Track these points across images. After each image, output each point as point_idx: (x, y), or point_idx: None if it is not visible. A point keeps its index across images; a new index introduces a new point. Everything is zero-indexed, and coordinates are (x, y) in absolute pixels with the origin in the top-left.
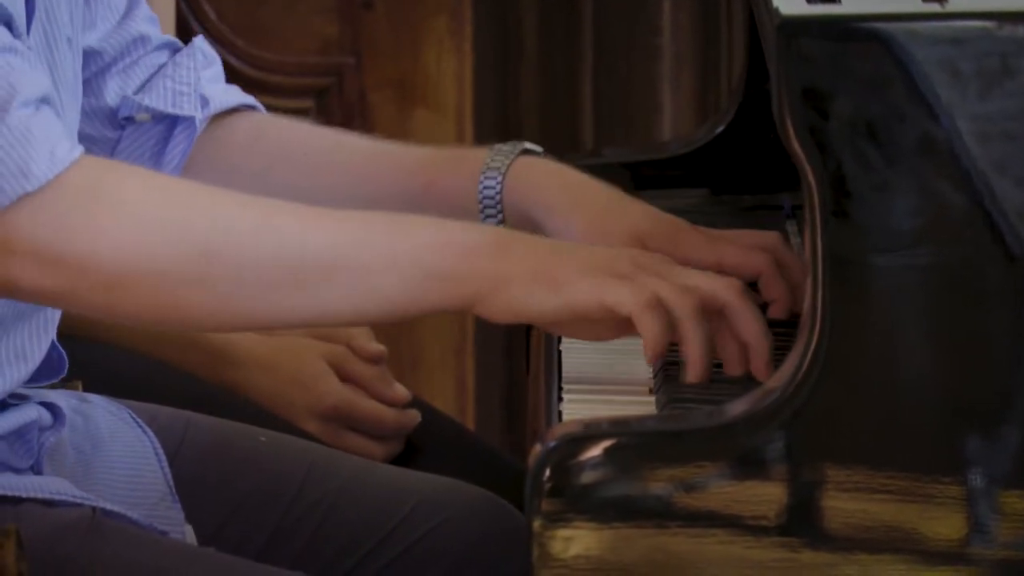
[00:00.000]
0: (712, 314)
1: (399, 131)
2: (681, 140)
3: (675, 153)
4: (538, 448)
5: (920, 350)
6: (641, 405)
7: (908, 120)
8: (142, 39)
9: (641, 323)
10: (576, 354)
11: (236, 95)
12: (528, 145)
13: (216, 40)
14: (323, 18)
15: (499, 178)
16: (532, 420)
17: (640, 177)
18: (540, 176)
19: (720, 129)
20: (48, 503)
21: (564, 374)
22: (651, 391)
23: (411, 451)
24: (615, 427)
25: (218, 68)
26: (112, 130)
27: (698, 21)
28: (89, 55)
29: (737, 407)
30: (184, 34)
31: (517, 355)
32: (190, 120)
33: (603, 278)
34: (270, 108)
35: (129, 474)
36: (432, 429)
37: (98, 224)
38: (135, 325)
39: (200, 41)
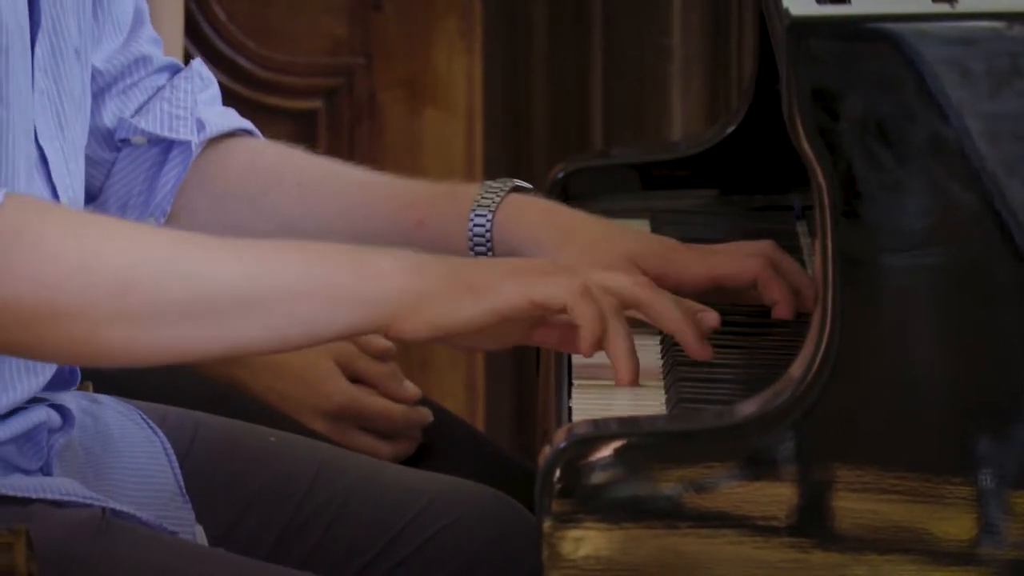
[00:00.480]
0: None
1: (409, 131)
2: (691, 140)
3: (685, 153)
4: (548, 449)
5: (930, 350)
6: (651, 402)
7: (918, 120)
8: (144, 60)
9: (576, 311)
10: None
11: (232, 119)
12: (518, 183)
13: (226, 41)
14: (333, 19)
15: (489, 215)
16: (542, 420)
17: (650, 177)
18: (530, 213)
19: (730, 129)
20: (58, 504)
21: (574, 372)
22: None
23: (421, 451)
24: (625, 427)
25: (215, 90)
26: (108, 151)
27: (708, 21)
28: (91, 74)
29: (747, 407)
30: (194, 35)
31: (527, 355)
32: (186, 144)
33: (528, 277)
34: (280, 109)
35: (139, 475)
36: (442, 429)
37: (19, 264)
38: (57, 363)
39: (198, 64)
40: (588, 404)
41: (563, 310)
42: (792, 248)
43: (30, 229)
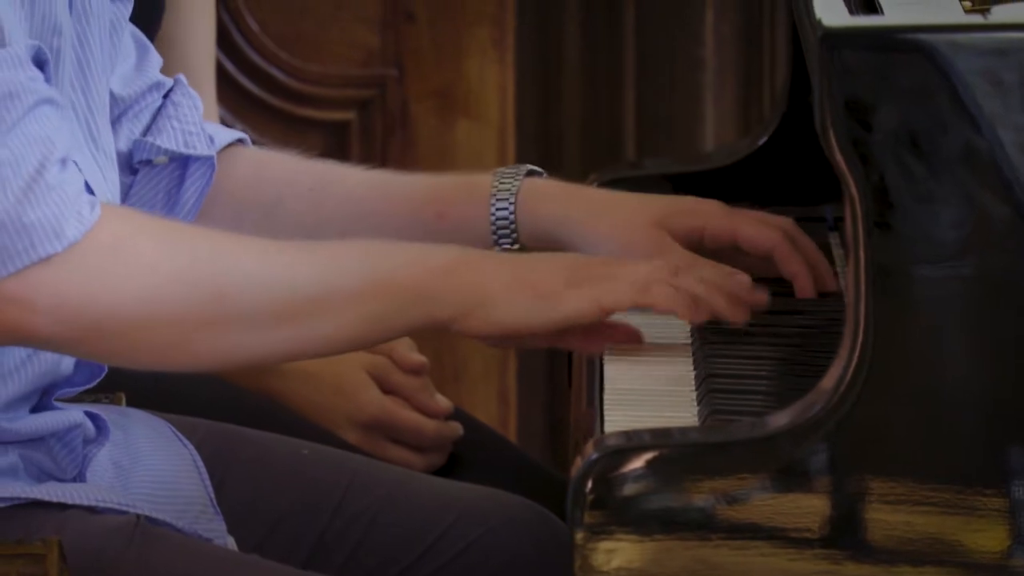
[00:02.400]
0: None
1: (441, 142)
2: (724, 151)
3: (717, 164)
4: (580, 460)
5: (963, 361)
6: (684, 414)
7: (951, 131)
8: (157, 85)
9: (653, 299)
10: (618, 366)
11: (230, 130)
12: (531, 167)
13: (259, 52)
14: (366, 29)
15: (511, 201)
16: (574, 432)
17: (682, 188)
18: (552, 194)
19: (763, 140)
20: (92, 510)
21: (606, 383)
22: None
23: (453, 463)
24: (657, 439)
25: (201, 105)
26: (126, 175)
27: (741, 32)
28: (111, 100)
29: (780, 419)
30: (227, 46)
31: (559, 367)
32: (205, 160)
33: (590, 284)
34: (312, 120)
35: (169, 487)
36: (474, 441)
37: (118, 280)
38: (145, 369)
39: (182, 78)
40: (620, 416)
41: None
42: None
43: (127, 242)
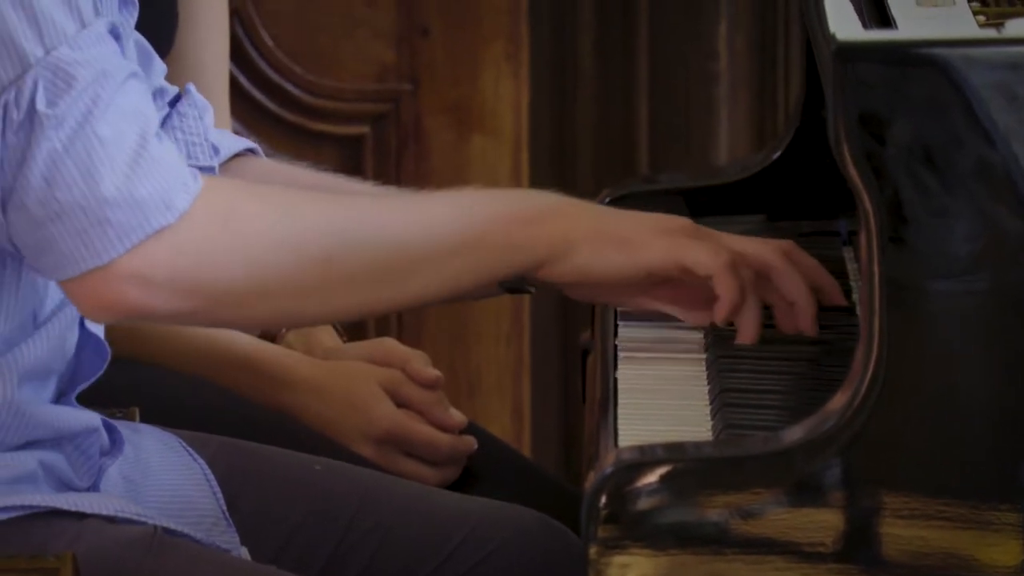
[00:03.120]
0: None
1: (455, 157)
2: (738, 165)
3: (732, 179)
4: (594, 474)
5: (977, 375)
6: (697, 428)
7: (965, 145)
8: (161, 92)
9: (722, 284)
10: (632, 380)
11: (238, 140)
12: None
13: (273, 66)
14: (380, 44)
15: None
16: (588, 446)
17: (696, 203)
18: None
19: (777, 155)
20: (111, 520)
21: (620, 396)
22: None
23: (467, 477)
24: (671, 453)
25: (212, 115)
26: None
27: (755, 46)
28: None
29: (794, 433)
30: (240, 60)
31: (573, 381)
32: (208, 170)
33: (677, 238)
34: (327, 135)
35: (181, 500)
36: (488, 455)
37: (229, 247)
38: (254, 333)
39: (192, 88)
40: (634, 429)
41: (707, 278)
42: (839, 273)
43: (234, 209)
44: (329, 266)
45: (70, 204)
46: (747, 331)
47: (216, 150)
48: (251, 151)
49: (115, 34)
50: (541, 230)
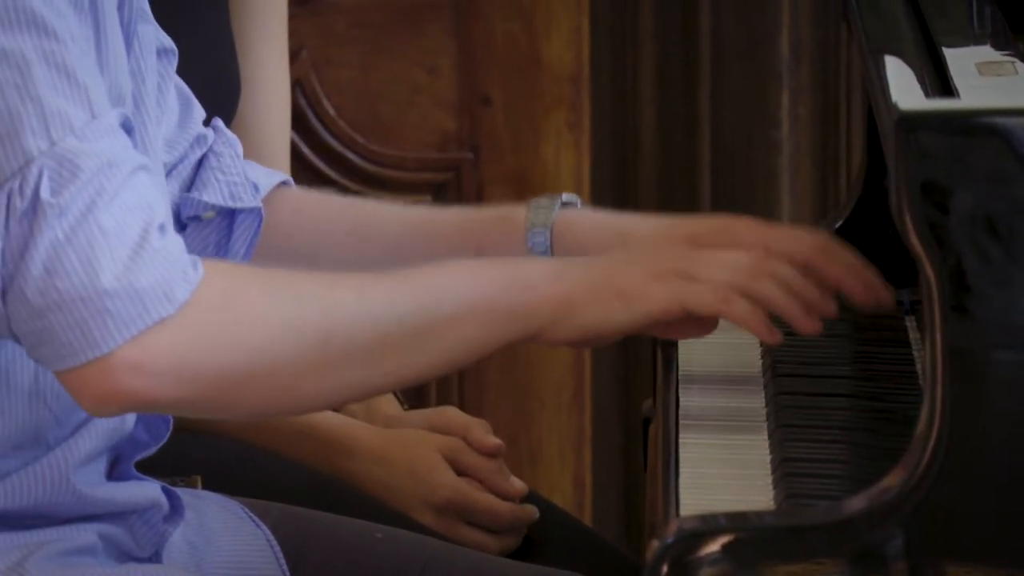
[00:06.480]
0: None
1: None
2: None
3: None
4: (655, 543)
5: None
6: (759, 497)
7: None
8: (200, 139)
9: (732, 316)
10: (694, 449)
11: (272, 174)
12: (565, 197)
13: (336, 136)
14: (442, 113)
15: (547, 233)
16: (649, 515)
17: None
18: (586, 224)
19: (839, 224)
20: None
21: (681, 465)
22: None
23: (528, 545)
24: (733, 522)
25: (240, 148)
26: (176, 230)
27: (817, 115)
28: None
29: (856, 503)
30: (303, 130)
31: (635, 450)
32: (252, 211)
33: (674, 283)
34: None
35: (244, 567)
36: (549, 523)
37: (231, 334)
38: (249, 419)
39: (219, 123)
40: (696, 498)
41: (713, 315)
42: (901, 343)
43: (234, 296)
44: (328, 344)
45: (70, 294)
46: (801, 325)
47: (256, 188)
48: (283, 183)
49: (128, 127)
50: (540, 294)
